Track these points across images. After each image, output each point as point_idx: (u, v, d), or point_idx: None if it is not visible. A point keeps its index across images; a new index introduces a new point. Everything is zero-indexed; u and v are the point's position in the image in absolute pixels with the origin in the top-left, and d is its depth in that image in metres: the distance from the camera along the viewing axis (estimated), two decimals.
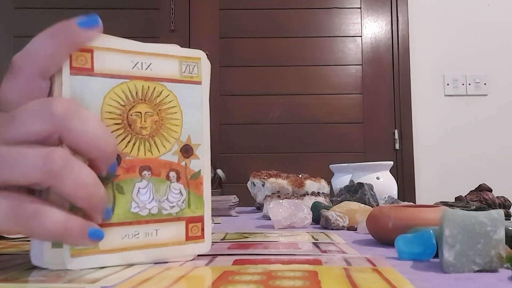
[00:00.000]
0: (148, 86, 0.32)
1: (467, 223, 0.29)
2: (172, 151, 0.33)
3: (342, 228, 0.57)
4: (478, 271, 0.29)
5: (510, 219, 0.67)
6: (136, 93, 0.32)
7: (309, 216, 0.61)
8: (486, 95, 2.12)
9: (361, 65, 2.13)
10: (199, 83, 0.34)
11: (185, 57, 0.34)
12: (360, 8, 2.16)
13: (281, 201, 0.61)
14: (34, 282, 0.26)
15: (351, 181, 0.88)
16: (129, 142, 0.31)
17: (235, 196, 0.86)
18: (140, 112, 0.32)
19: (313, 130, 2.09)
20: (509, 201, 0.73)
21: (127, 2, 2.11)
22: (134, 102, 0.31)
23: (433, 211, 0.41)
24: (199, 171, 0.34)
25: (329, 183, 0.95)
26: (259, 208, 0.96)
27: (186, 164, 0.33)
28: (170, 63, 0.33)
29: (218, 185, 2.03)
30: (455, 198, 0.77)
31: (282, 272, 0.28)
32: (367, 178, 0.93)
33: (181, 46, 0.34)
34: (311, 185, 0.84)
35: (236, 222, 0.69)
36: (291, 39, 2.13)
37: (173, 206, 0.33)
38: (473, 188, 0.79)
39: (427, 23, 2.16)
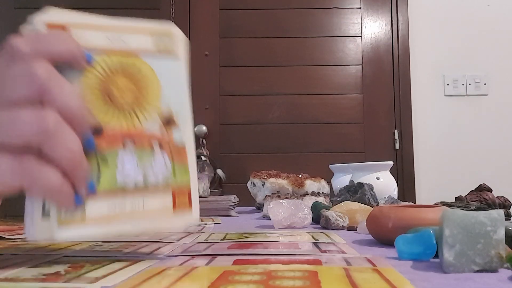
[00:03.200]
0: (126, 60, 0.32)
1: (467, 223, 0.29)
2: (153, 122, 0.33)
3: (342, 228, 0.57)
4: (478, 271, 0.29)
5: (510, 219, 0.67)
6: (114, 66, 0.32)
7: (309, 216, 0.61)
8: (486, 95, 2.12)
9: (361, 65, 2.13)
10: (175, 57, 0.35)
11: (159, 32, 0.34)
12: (360, 8, 2.16)
13: (281, 201, 0.61)
14: (34, 281, 0.26)
15: (351, 181, 0.88)
16: (110, 114, 0.31)
17: (235, 196, 0.86)
18: (119, 85, 0.32)
19: (313, 130, 2.09)
20: (509, 201, 0.73)
21: (127, 2, 2.11)
22: (112, 76, 0.32)
23: (433, 211, 0.41)
24: (182, 142, 0.34)
25: (329, 183, 0.95)
26: (259, 208, 0.96)
27: (168, 134, 0.33)
28: (144, 37, 0.33)
29: (218, 185, 2.03)
30: (455, 198, 0.77)
31: (282, 272, 0.28)
32: (367, 178, 0.93)
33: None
34: (311, 185, 0.84)
35: (236, 222, 0.69)
36: (291, 39, 2.13)
37: (159, 177, 0.32)
38: (473, 188, 0.79)
39: (427, 23, 2.15)
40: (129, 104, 0.32)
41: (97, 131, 0.30)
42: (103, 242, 0.43)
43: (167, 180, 0.32)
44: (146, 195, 0.32)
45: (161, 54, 0.34)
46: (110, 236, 0.31)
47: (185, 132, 0.34)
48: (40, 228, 0.29)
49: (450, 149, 2.10)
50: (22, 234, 0.49)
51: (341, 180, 1.08)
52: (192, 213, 0.34)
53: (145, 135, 0.32)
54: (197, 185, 0.34)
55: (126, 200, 0.31)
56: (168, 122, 0.33)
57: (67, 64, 0.30)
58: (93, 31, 0.32)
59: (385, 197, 0.80)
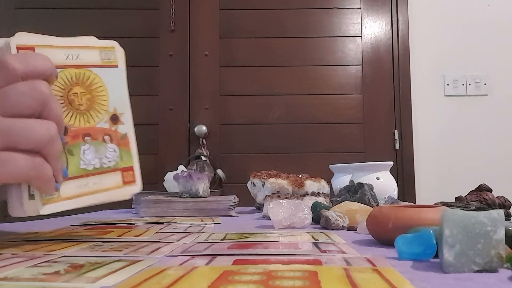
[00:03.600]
0: (80, 72, 0.42)
1: (467, 223, 0.29)
2: (104, 120, 0.43)
3: (342, 228, 0.57)
4: (478, 271, 0.29)
5: (510, 219, 0.67)
6: (72, 78, 0.41)
7: (309, 216, 0.61)
8: (486, 95, 2.12)
9: (361, 65, 2.13)
10: (116, 66, 0.45)
11: (103, 47, 0.44)
12: (360, 8, 2.16)
13: (281, 201, 0.61)
14: (34, 281, 0.26)
15: (351, 181, 0.88)
16: (71, 116, 0.41)
17: (235, 196, 0.86)
18: (77, 93, 0.41)
19: (313, 130, 2.09)
20: (509, 201, 0.73)
21: (127, 2, 2.11)
22: (71, 85, 0.41)
23: (433, 211, 0.41)
24: (125, 133, 0.45)
25: (329, 183, 0.95)
26: (259, 208, 0.96)
27: (115, 129, 0.44)
28: (92, 53, 0.43)
29: (218, 185, 2.03)
30: (455, 198, 0.77)
31: (282, 272, 0.28)
32: (367, 178, 0.93)
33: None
34: (311, 185, 0.84)
35: (236, 222, 0.69)
36: (291, 39, 2.13)
37: (110, 161, 0.43)
38: (473, 188, 0.79)
39: (427, 23, 2.15)
40: (85, 107, 0.42)
41: (65, 130, 0.40)
42: (103, 242, 0.43)
43: (116, 162, 0.43)
44: (102, 175, 0.42)
45: (105, 66, 0.44)
46: (80, 207, 0.41)
47: (128, 126, 0.45)
48: (27, 207, 0.38)
49: (450, 149, 2.10)
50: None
51: (341, 180, 1.08)
52: (136, 185, 0.45)
53: (98, 130, 0.42)
54: (138, 164, 0.45)
55: (89, 180, 0.41)
56: (114, 119, 0.44)
57: (46, 79, 0.38)
58: (54, 50, 0.40)
59: (385, 197, 0.80)
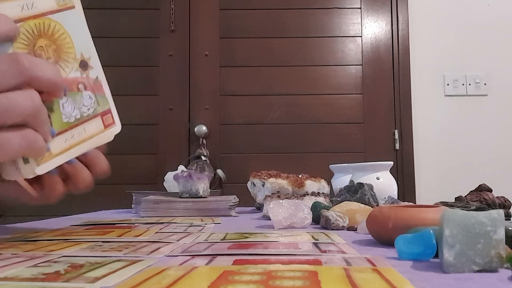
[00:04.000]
0: (39, 23, 0.39)
1: (467, 223, 0.29)
2: (74, 69, 0.42)
3: (342, 228, 0.57)
4: (478, 271, 0.29)
5: (510, 219, 0.67)
6: (33, 31, 0.39)
7: (309, 216, 0.61)
8: (486, 95, 2.12)
9: (361, 65, 2.13)
10: (72, 7, 0.43)
11: None
12: (360, 8, 2.16)
13: (281, 201, 0.61)
14: (34, 281, 0.26)
15: (351, 181, 0.88)
16: None
17: (235, 196, 0.86)
18: (42, 46, 0.39)
19: (313, 130, 2.09)
20: (509, 201, 0.73)
21: (127, 2, 2.11)
22: (34, 39, 0.39)
23: (433, 211, 0.41)
24: (97, 77, 0.44)
25: (329, 183, 0.95)
26: (259, 208, 0.96)
27: (86, 75, 0.43)
28: None
29: (218, 185, 2.03)
30: (455, 198, 0.77)
31: (282, 272, 0.28)
32: (367, 178, 0.93)
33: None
34: (311, 185, 0.84)
35: (236, 222, 0.69)
36: (291, 39, 2.13)
37: (89, 108, 0.43)
38: (473, 188, 0.79)
39: (427, 23, 2.16)
40: (53, 59, 0.40)
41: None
42: (103, 242, 0.43)
43: (95, 109, 0.44)
44: (85, 124, 0.43)
45: (62, 9, 0.42)
46: (71, 158, 0.42)
47: (97, 69, 0.44)
48: (23, 170, 0.38)
49: (450, 149, 2.10)
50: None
51: (341, 180, 1.08)
52: (116, 126, 0.46)
53: (71, 81, 0.42)
54: (114, 104, 0.46)
55: (73, 131, 0.42)
56: (84, 65, 0.43)
57: (11, 40, 0.37)
58: (7, 3, 0.37)
59: (385, 197, 0.80)
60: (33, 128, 0.37)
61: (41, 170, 0.39)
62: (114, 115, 0.45)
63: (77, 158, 0.44)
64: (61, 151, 0.41)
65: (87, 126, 0.43)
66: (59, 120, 0.40)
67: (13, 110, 0.35)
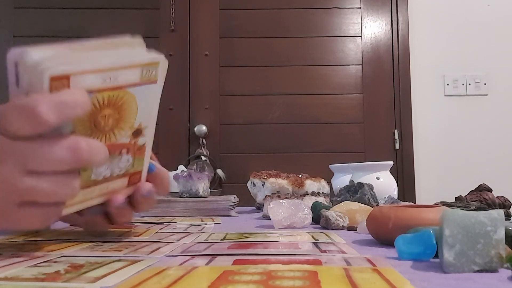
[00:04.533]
0: (113, 94, 0.37)
1: (467, 223, 0.29)
2: (126, 136, 0.40)
3: (342, 228, 0.57)
4: (478, 271, 0.29)
5: (510, 219, 0.67)
6: (103, 101, 0.36)
7: (309, 216, 0.61)
8: (486, 95, 2.12)
9: (361, 65, 2.13)
10: (155, 82, 0.40)
11: (147, 64, 0.39)
12: (360, 8, 2.16)
13: (281, 201, 0.61)
14: (34, 281, 0.26)
15: (351, 181, 0.88)
16: (93, 136, 0.37)
17: (235, 196, 0.86)
18: (105, 115, 0.37)
19: (313, 130, 2.09)
20: (509, 201, 0.73)
21: (127, 2, 2.11)
22: (101, 109, 0.36)
23: (433, 211, 0.41)
24: (144, 144, 0.43)
25: (329, 183, 0.95)
26: (259, 208, 0.96)
27: (135, 142, 0.41)
28: (133, 71, 0.38)
29: (218, 185, 2.03)
30: (455, 198, 0.77)
31: (282, 272, 0.28)
32: (367, 178, 0.93)
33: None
34: (311, 185, 0.84)
35: (236, 222, 0.69)
36: (291, 39, 2.13)
37: (121, 170, 0.41)
38: (473, 188, 0.79)
39: (427, 23, 2.15)
40: (109, 127, 0.38)
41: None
42: (103, 242, 0.43)
43: (127, 169, 0.42)
44: (110, 182, 0.41)
45: (144, 83, 0.39)
46: (81, 209, 0.41)
47: (148, 137, 0.43)
48: None
49: (450, 149, 2.10)
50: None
51: (341, 180, 1.08)
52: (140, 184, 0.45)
53: (117, 145, 0.40)
54: (147, 168, 0.45)
55: (96, 188, 0.40)
56: (137, 134, 0.41)
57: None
58: (91, 75, 0.35)
59: (385, 197, 0.80)
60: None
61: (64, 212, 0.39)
62: (143, 175, 0.44)
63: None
64: (74, 202, 0.39)
65: (111, 184, 0.41)
66: (87, 176, 0.38)
67: (49, 196, 0.33)
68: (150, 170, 0.45)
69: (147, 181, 0.46)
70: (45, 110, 0.31)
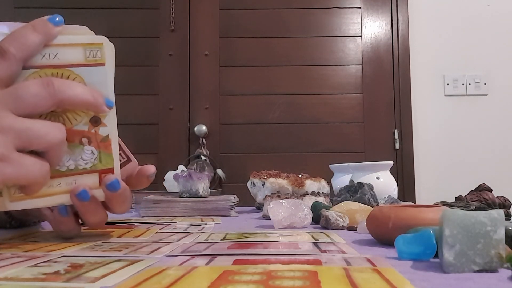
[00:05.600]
0: (57, 72, 0.39)
1: (467, 223, 0.29)
2: (83, 122, 0.41)
3: (342, 228, 0.57)
4: (478, 271, 0.29)
5: (510, 219, 0.67)
6: (47, 76, 0.38)
7: (309, 216, 0.61)
8: (486, 95, 2.12)
9: (361, 65, 2.13)
10: (102, 64, 0.41)
11: (89, 44, 0.40)
12: (360, 8, 2.16)
13: (281, 201, 0.61)
14: (34, 281, 0.26)
15: (351, 181, 0.88)
16: (45, 118, 0.39)
17: (235, 196, 0.86)
18: None
19: (313, 130, 2.09)
20: (509, 201, 0.73)
21: (127, 2, 2.11)
22: None
23: (433, 211, 0.41)
24: (107, 136, 0.42)
25: (329, 183, 0.95)
26: (259, 208, 0.96)
27: (95, 131, 0.41)
28: (75, 50, 0.40)
29: (218, 185, 2.03)
30: (455, 198, 0.77)
31: (282, 272, 0.28)
32: (367, 178, 0.93)
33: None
34: (311, 185, 0.84)
35: (236, 222, 0.69)
36: (291, 39, 2.13)
37: (87, 163, 0.41)
38: (473, 188, 0.79)
39: (427, 23, 2.16)
40: (61, 109, 0.39)
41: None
42: (103, 242, 0.43)
43: (94, 164, 0.41)
44: (77, 176, 0.41)
45: (90, 64, 0.40)
46: (50, 205, 0.41)
47: (110, 128, 0.42)
48: None
49: (450, 149, 2.10)
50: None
51: (341, 180, 1.08)
52: None
53: (75, 132, 0.40)
54: (119, 166, 0.43)
55: (61, 180, 0.40)
56: (95, 121, 0.41)
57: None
58: None
59: (385, 197, 0.80)
60: (48, 160, 0.38)
61: (13, 207, 0.39)
62: (116, 176, 0.43)
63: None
64: (40, 194, 0.39)
65: (79, 179, 0.41)
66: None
67: (43, 138, 0.36)
68: (114, 188, 0.42)
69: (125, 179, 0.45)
70: (7, 44, 0.37)
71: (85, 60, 0.40)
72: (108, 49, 0.41)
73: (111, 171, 0.42)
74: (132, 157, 0.48)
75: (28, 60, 0.38)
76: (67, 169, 0.40)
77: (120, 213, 0.45)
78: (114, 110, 0.42)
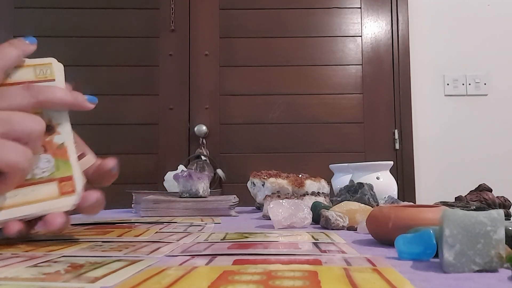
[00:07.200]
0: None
1: (467, 223, 0.29)
2: None
3: (342, 228, 0.57)
4: (478, 271, 0.29)
5: (510, 219, 0.67)
6: None
7: (309, 216, 0.61)
8: (486, 95, 2.12)
9: (361, 65, 2.13)
10: (52, 80, 0.43)
11: (39, 64, 0.44)
12: (360, 8, 2.16)
13: (281, 201, 0.61)
14: (34, 281, 0.26)
15: (351, 181, 0.88)
16: None
17: (235, 196, 0.86)
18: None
19: (313, 130, 2.09)
20: (509, 201, 0.73)
21: (127, 2, 2.11)
22: None
23: (433, 211, 0.41)
24: (62, 143, 0.42)
25: (329, 183, 0.95)
26: (259, 208, 0.96)
27: (50, 139, 0.42)
28: (26, 70, 0.43)
29: (218, 185, 2.03)
30: (455, 198, 0.77)
31: (282, 272, 0.28)
32: (367, 178, 0.93)
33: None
34: (311, 185, 0.84)
35: (236, 222, 0.69)
36: (291, 39, 2.13)
37: (44, 171, 0.41)
38: (473, 188, 0.79)
39: (427, 23, 2.16)
40: None
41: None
42: (103, 242, 0.43)
43: (51, 173, 0.41)
44: (34, 186, 0.41)
45: (40, 81, 0.43)
46: (7, 219, 0.39)
47: (65, 135, 0.43)
48: None
49: (450, 149, 2.10)
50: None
51: (341, 180, 1.08)
52: (76, 195, 0.42)
53: None
54: (80, 174, 0.43)
55: (17, 191, 0.40)
56: (49, 130, 0.42)
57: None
58: None
59: (385, 197, 0.80)
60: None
61: None
62: (76, 183, 0.42)
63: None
64: None
65: (37, 189, 0.40)
66: None
67: (24, 127, 0.38)
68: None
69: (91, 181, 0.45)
70: None
71: (35, 77, 0.43)
72: (57, 68, 0.44)
73: (70, 179, 0.42)
74: (89, 151, 0.48)
75: (8, 70, 0.41)
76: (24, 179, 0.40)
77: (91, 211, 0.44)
78: (67, 118, 0.43)
